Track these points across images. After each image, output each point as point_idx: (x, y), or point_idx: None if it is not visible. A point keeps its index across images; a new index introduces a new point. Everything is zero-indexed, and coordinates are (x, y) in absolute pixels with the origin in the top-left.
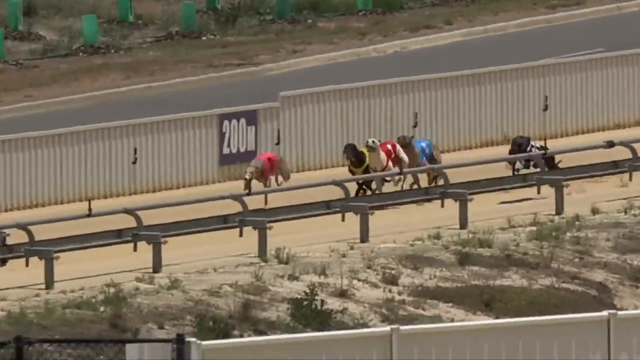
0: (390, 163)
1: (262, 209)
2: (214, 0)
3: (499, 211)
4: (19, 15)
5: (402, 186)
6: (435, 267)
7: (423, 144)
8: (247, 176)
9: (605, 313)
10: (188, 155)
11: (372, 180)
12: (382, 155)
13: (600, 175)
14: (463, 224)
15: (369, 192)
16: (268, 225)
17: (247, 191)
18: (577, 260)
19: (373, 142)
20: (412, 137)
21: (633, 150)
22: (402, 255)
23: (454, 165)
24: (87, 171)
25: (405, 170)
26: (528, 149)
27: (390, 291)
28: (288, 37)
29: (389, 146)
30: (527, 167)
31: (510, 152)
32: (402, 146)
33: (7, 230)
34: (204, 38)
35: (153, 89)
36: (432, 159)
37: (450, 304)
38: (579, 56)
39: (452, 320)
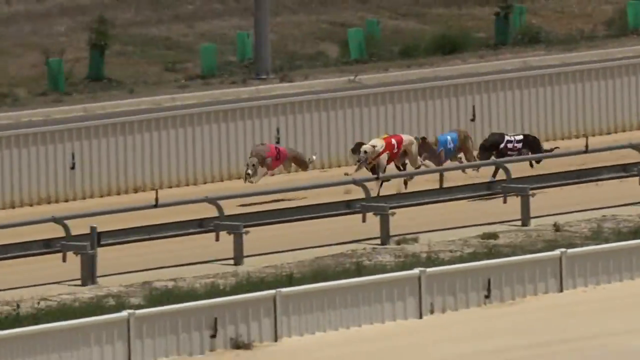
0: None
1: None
2: None
3: None
4: None
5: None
6: None
7: (448, 137)
8: (248, 171)
9: None
10: None
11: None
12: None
13: None
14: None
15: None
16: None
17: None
18: None
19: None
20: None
21: None
22: None
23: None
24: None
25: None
26: (502, 145)
27: None
28: None
29: (393, 140)
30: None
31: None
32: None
33: None
34: None
35: None
36: (458, 151)
37: None
38: None
39: None
